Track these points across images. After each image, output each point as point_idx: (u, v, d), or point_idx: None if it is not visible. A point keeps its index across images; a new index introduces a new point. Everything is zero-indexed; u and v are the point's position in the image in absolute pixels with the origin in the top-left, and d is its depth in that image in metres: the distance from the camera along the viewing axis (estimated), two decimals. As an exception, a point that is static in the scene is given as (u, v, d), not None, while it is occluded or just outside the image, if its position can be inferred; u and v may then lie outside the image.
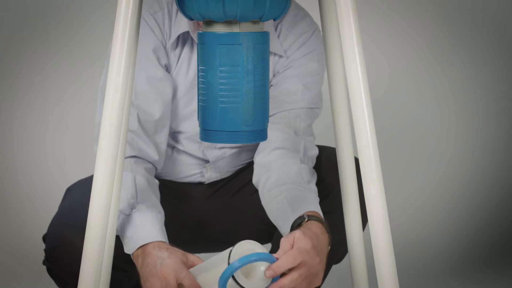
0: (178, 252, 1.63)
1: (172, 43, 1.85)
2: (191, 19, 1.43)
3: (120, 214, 1.73)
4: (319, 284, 1.58)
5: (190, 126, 1.92)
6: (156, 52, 1.84)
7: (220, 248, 2.13)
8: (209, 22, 1.41)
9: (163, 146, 1.89)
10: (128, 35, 1.42)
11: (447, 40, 3.32)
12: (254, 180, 1.86)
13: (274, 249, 1.96)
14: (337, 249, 1.90)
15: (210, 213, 2.05)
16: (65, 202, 1.96)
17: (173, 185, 2.00)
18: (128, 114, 1.59)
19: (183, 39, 1.86)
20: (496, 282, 2.72)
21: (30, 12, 3.27)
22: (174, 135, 1.95)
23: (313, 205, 1.70)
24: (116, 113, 1.44)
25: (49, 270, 1.91)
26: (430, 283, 2.72)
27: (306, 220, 1.65)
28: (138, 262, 1.67)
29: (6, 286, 2.76)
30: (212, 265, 1.56)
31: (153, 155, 1.87)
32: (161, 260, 1.61)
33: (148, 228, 1.69)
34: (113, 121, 1.43)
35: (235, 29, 1.40)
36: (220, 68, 1.39)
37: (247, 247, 1.51)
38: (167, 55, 1.86)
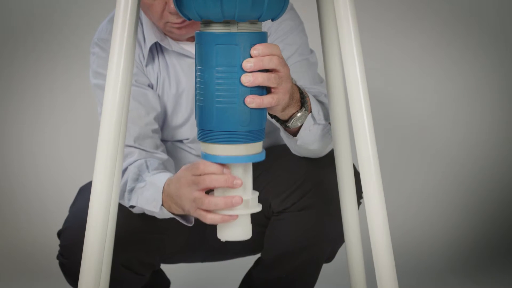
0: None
1: (147, 57, 1.90)
2: (189, 19, 1.43)
3: (134, 188, 1.78)
4: (287, 90, 1.51)
5: (188, 131, 1.96)
6: (136, 75, 1.89)
7: (225, 258, 2.14)
8: (207, 22, 1.41)
9: (165, 151, 1.94)
10: (126, 39, 1.42)
11: (449, 38, 3.31)
12: None
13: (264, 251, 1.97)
14: (327, 245, 1.90)
15: None
16: (81, 200, 1.98)
17: None
18: (126, 120, 1.59)
19: (156, 50, 1.91)
20: (497, 282, 2.72)
21: (24, 14, 3.27)
22: (178, 143, 1.99)
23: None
24: (115, 114, 1.43)
25: (62, 265, 1.94)
26: (431, 283, 2.72)
27: None
28: (168, 204, 1.70)
29: (4, 286, 2.77)
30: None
31: (163, 156, 1.91)
32: (177, 178, 1.64)
33: (159, 179, 1.74)
34: (112, 122, 1.43)
35: (233, 29, 1.40)
36: (217, 68, 1.39)
37: None
38: (145, 74, 1.91)
